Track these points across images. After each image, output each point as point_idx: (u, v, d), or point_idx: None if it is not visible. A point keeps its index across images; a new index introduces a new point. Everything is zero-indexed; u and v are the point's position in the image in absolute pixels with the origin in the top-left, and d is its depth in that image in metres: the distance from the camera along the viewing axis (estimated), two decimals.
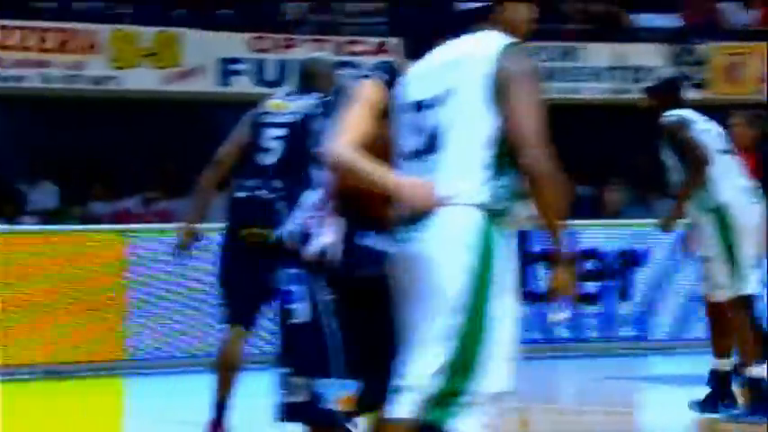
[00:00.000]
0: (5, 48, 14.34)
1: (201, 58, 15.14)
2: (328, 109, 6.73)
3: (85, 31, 14.74)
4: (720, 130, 8.38)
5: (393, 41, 15.28)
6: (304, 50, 14.91)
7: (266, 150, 7.29)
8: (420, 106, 4.21)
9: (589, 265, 11.81)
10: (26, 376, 10.52)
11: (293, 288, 4.38)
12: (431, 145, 4.15)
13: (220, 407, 7.28)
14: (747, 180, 8.42)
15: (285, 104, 7.37)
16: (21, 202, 14.16)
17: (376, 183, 4.23)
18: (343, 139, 4.31)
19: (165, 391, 10.41)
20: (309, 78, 7.48)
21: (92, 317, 10.72)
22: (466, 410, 4.04)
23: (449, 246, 4.05)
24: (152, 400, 9.95)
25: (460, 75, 4.18)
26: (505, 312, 4.09)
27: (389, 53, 15.20)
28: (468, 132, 4.12)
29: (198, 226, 7.53)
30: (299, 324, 4.40)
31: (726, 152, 8.22)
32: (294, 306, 4.43)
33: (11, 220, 13.35)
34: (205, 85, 15.23)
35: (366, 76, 4.56)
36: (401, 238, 4.13)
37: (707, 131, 8.22)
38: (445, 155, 4.13)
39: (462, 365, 4.03)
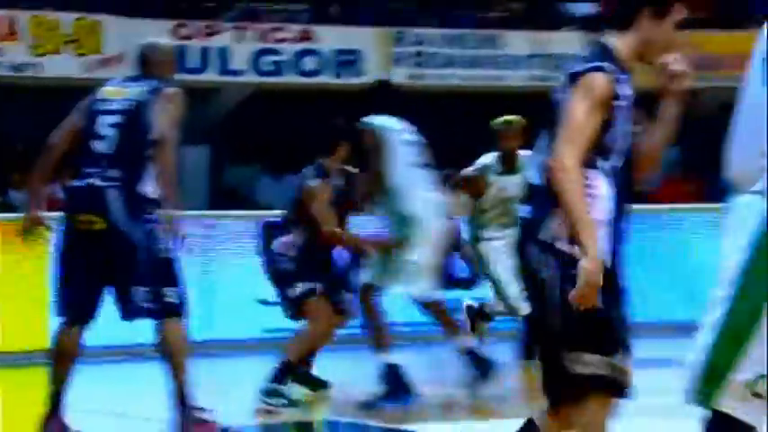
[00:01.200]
0: None
1: (123, 46, 15.13)
2: (160, 96, 7.18)
3: (4, 16, 14.93)
4: None
5: (315, 29, 15.96)
6: (226, 38, 15.60)
7: (101, 137, 7.36)
8: None
9: None
10: None
11: None
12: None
13: (56, 398, 7.37)
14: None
15: (120, 91, 7.47)
16: None
17: (574, 226, 4.38)
18: (573, 150, 4.38)
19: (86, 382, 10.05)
20: (146, 64, 7.60)
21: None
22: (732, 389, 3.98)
23: (735, 231, 4.07)
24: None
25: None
26: None
27: (312, 41, 16.18)
28: (751, 118, 4.09)
29: (40, 213, 7.47)
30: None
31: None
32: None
33: None
34: (127, 72, 14.96)
35: (597, 69, 4.56)
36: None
37: None
38: (732, 142, 4.13)
39: (729, 342, 4.00)
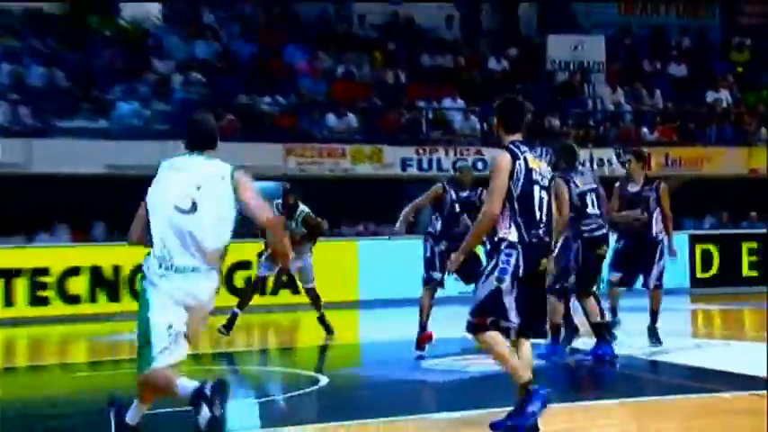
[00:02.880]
0: (303, 155, 21.73)
1: (393, 158, 22.38)
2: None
3: (340, 147, 22.52)
4: None
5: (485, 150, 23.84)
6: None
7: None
8: None
9: None
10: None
11: None
12: None
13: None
14: None
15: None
16: None
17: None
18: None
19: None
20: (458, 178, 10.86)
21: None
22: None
23: None
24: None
25: None
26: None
27: (484, 155, 22.64)
28: None
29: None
30: None
31: None
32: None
33: None
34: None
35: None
36: None
37: None
38: None
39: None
